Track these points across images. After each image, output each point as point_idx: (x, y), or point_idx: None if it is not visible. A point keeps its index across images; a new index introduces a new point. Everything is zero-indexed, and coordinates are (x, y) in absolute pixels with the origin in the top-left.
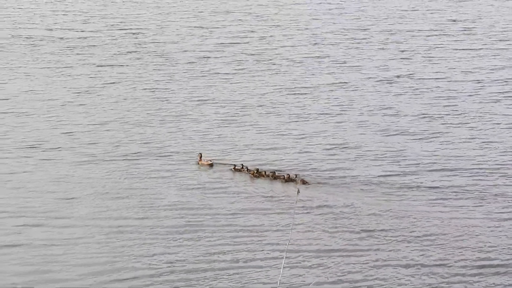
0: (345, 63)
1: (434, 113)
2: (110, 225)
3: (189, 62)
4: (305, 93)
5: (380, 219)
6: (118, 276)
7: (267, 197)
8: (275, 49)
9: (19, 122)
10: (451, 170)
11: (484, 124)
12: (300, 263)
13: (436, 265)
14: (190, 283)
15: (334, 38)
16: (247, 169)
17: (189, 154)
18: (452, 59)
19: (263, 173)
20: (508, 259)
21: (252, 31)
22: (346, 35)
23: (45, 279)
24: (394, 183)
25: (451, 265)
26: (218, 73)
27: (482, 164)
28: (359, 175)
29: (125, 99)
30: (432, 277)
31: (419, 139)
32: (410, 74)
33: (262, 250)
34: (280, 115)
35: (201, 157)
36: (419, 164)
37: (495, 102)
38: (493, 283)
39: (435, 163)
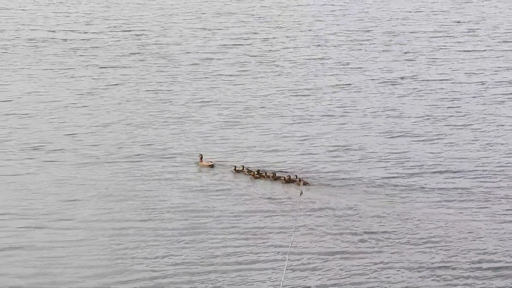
0: (348, 64)
1: (438, 115)
2: (113, 227)
3: (192, 64)
4: (308, 95)
5: (384, 221)
6: (121, 278)
7: (269, 198)
8: (278, 50)
9: (22, 124)
10: (455, 172)
11: (488, 125)
12: (303, 265)
13: (440, 268)
14: (193, 285)
15: (337, 40)
16: (248, 170)
17: (192, 156)
18: (456, 60)
19: (264, 174)
20: None
21: (255, 33)
22: (349, 36)
23: (48, 281)
24: (398, 185)
25: (455, 268)
26: (221, 74)
27: (486, 165)
28: (363, 177)
29: (128, 100)
30: (436, 280)
31: (423, 140)
32: (414, 76)
33: (265, 252)
34: (283, 116)
35: (201, 158)
36: (422, 166)
37: (499, 104)
38: (497, 286)
39: (438, 165)
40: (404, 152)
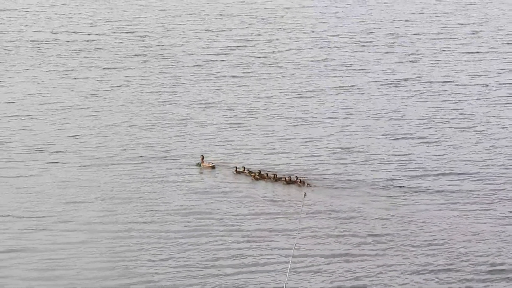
0: (352, 66)
1: (441, 117)
2: (116, 229)
3: (196, 65)
4: (312, 97)
5: (387, 224)
6: (124, 280)
7: (272, 200)
8: (281, 52)
9: (25, 125)
10: (459, 174)
11: (491, 127)
12: (306, 267)
13: (443, 270)
14: (196, 287)
15: (341, 42)
16: (249, 171)
17: (195, 157)
18: (459, 62)
19: (265, 175)
20: None
21: (258, 34)
22: (352, 38)
23: (50, 283)
24: (401, 187)
25: (458, 270)
26: (225, 76)
27: (489, 167)
28: (366, 179)
29: (131, 102)
30: (439, 282)
31: (426, 142)
32: (417, 78)
33: (268, 254)
34: (286, 118)
35: (203, 159)
36: (426, 168)
37: (503, 106)
38: None
39: (442, 167)
40: (408, 154)
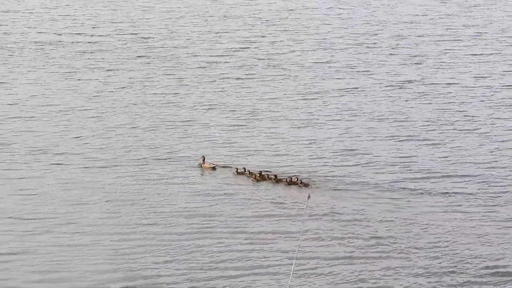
0: (355, 68)
1: (445, 119)
2: (120, 231)
3: (199, 67)
4: (315, 98)
5: (390, 226)
6: (128, 282)
7: (275, 202)
8: (285, 54)
9: (29, 127)
10: (462, 176)
11: (495, 129)
12: (310, 270)
13: (447, 273)
14: None
15: (344, 43)
16: (249, 172)
17: (199, 159)
18: (463, 64)
19: (266, 176)
20: None
21: (262, 36)
22: (356, 40)
23: (54, 285)
24: (405, 189)
25: (462, 273)
26: (228, 78)
27: (493, 170)
28: (369, 181)
29: (135, 104)
30: (443, 285)
31: (430, 144)
32: (421, 80)
33: (272, 257)
34: (290, 120)
35: (204, 160)
36: (430, 170)
37: (507, 108)
38: None
39: (446, 169)
40: (411, 156)
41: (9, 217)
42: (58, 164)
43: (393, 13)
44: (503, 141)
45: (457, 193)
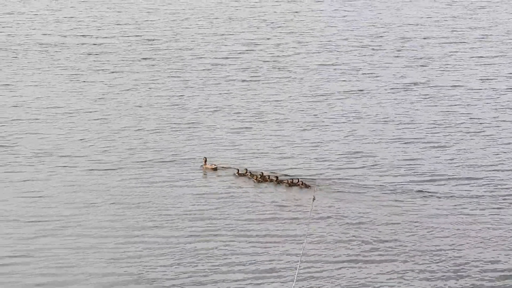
0: (360, 70)
1: (450, 121)
2: (125, 233)
3: (204, 69)
4: (320, 101)
5: (395, 229)
6: (133, 286)
7: (279, 204)
8: (290, 56)
9: (33, 129)
10: (467, 179)
11: (501, 132)
12: (314, 273)
13: (451, 277)
14: None
15: (349, 46)
16: (251, 174)
17: (202, 161)
18: (468, 66)
19: (267, 177)
20: None
21: (267, 38)
22: (361, 42)
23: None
24: (410, 192)
25: (467, 276)
26: (233, 80)
27: (498, 172)
28: (374, 184)
29: (139, 106)
30: None
31: (435, 147)
32: (426, 82)
33: (277, 259)
34: (295, 122)
35: (206, 161)
36: (435, 172)
37: None
38: None
39: (451, 171)
40: (416, 158)
41: (14, 220)
42: (63, 166)
43: (398, 15)
44: (509, 143)
45: (462, 195)
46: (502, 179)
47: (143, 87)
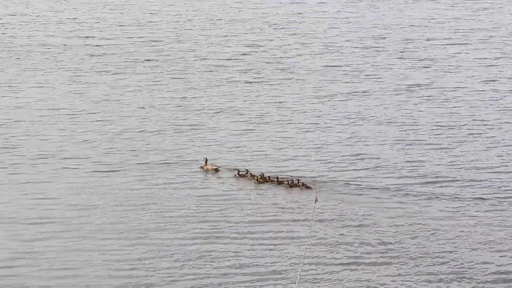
0: (363, 72)
1: (453, 123)
2: (127, 235)
3: (207, 71)
4: (323, 102)
5: (398, 231)
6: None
7: (281, 206)
8: (293, 57)
9: (36, 130)
10: (470, 181)
11: (504, 134)
12: (316, 275)
13: (455, 279)
14: None
15: (352, 47)
16: (251, 175)
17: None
18: (471, 68)
19: (267, 178)
20: None
21: (270, 40)
22: (364, 43)
23: None
24: (412, 194)
25: (470, 278)
26: (236, 81)
27: (501, 174)
28: (377, 185)
29: (142, 107)
30: None
31: (438, 149)
32: (429, 83)
33: (278, 262)
34: (298, 123)
35: (206, 162)
36: (437, 174)
37: None
38: None
39: (454, 173)
40: (419, 160)
41: (17, 221)
42: (66, 168)
43: (401, 17)
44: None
45: (466, 197)
46: (506, 181)
47: (146, 89)
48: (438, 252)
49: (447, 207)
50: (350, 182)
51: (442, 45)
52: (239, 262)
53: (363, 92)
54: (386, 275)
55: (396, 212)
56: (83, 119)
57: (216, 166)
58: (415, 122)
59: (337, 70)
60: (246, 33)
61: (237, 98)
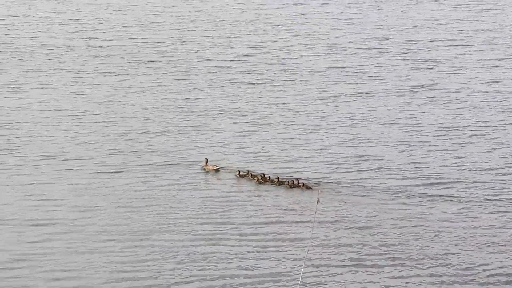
0: (366, 73)
1: (456, 124)
2: (130, 237)
3: (210, 72)
4: (326, 103)
5: (401, 232)
6: None
7: (283, 207)
8: (296, 58)
9: (39, 132)
10: (474, 182)
11: (507, 135)
12: (318, 277)
13: (458, 282)
14: None
15: (355, 48)
16: (252, 175)
17: (210, 163)
18: (475, 69)
19: (268, 179)
20: None
21: (273, 41)
22: (367, 45)
23: None
24: (416, 195)
25: (473, 280)
26: (239, 82)
27: (505, 176)
28: (380, 187)
29: (145, 108)
30: None
31: (441, 150)
32: (432, 85)
33: (280, 264)
34: (300, 125)
35: (207, 162)
36: (441, 176)
37: None
38: None
39: (457, 174)
40: (422, 162)
41: (19, 223)
42: (69, 169)
43: (405, 18)
44: None
45: (469, 199)
46: (510, 182)
47: (149, 90)
48: (441, 254)
49: (450, 208)
50: (353, 183)
51: (445, 46)
52: (242, 264)
53: (366, 93)
54: (389, 277)
55: (399, 213)
56: (86, 120)
57: (216, 166)
58: (419, 123)
59: (340, 71)
60: (249, 34)
61: (240, 99)
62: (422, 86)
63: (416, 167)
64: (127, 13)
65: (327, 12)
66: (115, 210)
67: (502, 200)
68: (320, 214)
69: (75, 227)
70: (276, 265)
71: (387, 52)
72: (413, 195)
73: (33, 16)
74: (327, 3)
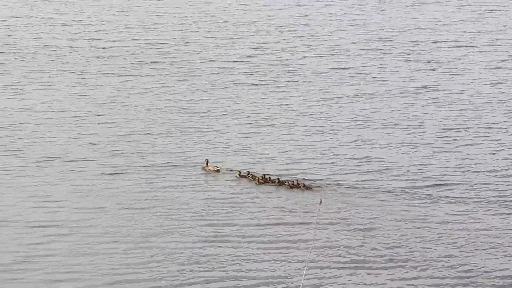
0: (370, 74)
1: (459, 126)
2: (133, 239)
3: (213, 73)
4: (329, 104)
5: (404, 234)
6: None
7: (285, 208)
8: (299, 60)
9: (42, 133)
10: (477, 184)
11: (510, 136)
12: (321, 279)
13: (462, 284)
14: None
15: (358, 49)
16: (252, 176)
17: (212, 165)
18: (478, 70)
19: (268, 179)
20: None
21: (276, 42)
22: (370, 46)
23: None
24: (419, 197)
25: (476, 282)
26: (242, 83)
27: (508, 177)
28: (383, 188)
29: (148, 110)
30: None
31: (444, 151)
32: (435, 86)
33: (282, 265)
34: (303, 126)
35: (207, 163)
36: (444, 177)
37: None
38: None
39: (460, 176)
40: (425, 163)
41: (22, 224)
42: (71, 170)
43: (408, 19)
44: None
45: (472, 200)
46: None
47: (151, 91)
48: (444, 256)
49: (454, 210)
50: (356, 185)
51: (448, 47)
52: (245, 266)
53: (369, 94)
54: (391, 279)
55: (402, 215)
56: (88, 121)
57: (217, 167)
58: (422, 125)
59: (343, 73)
60: (252, 35)
61: (243, 100)
62: (425, 87)
63: (419, 169)
64: (129, 14)
65: (330, 13)
66: (118, 212)
67: (506, 202)
68: (323, 215)
69: (78, 228)
70: (279, 266)
71: (390, 53)
72: (416, 197)
73: (36, 17)
74: (330, 4)
